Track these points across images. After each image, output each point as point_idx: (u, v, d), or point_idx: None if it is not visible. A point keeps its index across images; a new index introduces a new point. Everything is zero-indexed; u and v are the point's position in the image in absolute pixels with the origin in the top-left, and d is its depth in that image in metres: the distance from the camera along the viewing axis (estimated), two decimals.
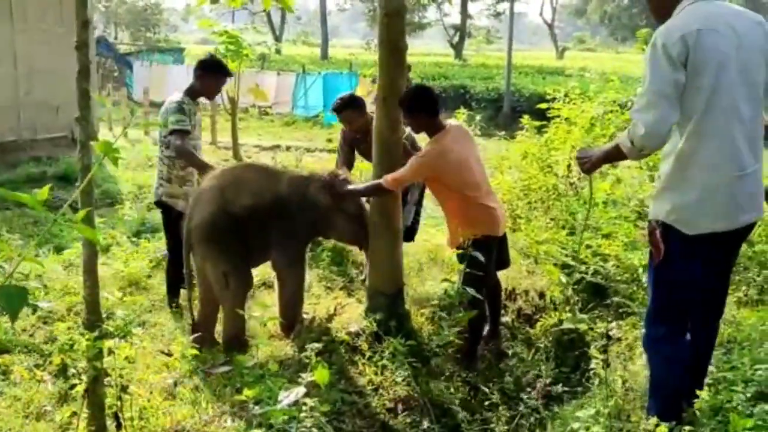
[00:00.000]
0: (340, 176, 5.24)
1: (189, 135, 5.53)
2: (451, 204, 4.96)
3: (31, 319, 5.35)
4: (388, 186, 4.88)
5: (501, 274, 5.45)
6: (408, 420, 4.22)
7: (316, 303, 5.84)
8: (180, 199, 5.63)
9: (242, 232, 4.95)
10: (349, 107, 6.14)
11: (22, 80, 11.83)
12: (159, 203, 5.85)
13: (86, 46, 3.29)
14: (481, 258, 4.57)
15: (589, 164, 3.69)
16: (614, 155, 3.59)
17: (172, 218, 5.64)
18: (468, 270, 4.60)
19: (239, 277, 5.02)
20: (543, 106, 8.19)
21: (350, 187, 5.19)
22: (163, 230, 6.05)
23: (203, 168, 5.48)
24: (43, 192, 1.74)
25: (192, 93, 5.71)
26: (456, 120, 5.50)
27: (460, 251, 4.69)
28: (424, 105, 4.86)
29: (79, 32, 3.28)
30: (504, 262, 5.25)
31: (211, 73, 5.74)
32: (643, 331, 3.68)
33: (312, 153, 14.63)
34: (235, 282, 4.99)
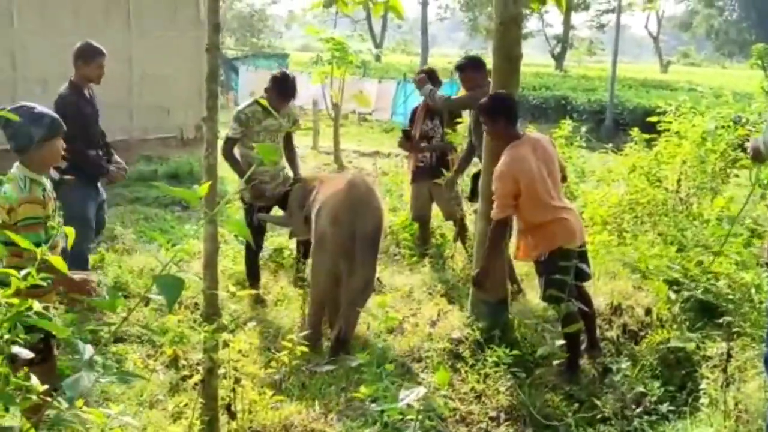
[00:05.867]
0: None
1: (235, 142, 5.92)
2: (521, 214, 4.83)
3: (144, 311, 5.55)
4: (497, 218, 4.78)
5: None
6: (511, 430, 4.20)
7: (418, 308, 5.86)
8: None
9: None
10: (469, 67, 6.28)
11: (136, 83, 12.26)
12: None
13: (217, 49, 3.40)
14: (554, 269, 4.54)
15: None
16: (757, 154, 3.54)
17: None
18: (547, 283, 4.60)
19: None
20: (654, 119, 8.01)
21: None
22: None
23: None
24: (203, 188, 1.80)
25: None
26: (540, 134, 5.37)
27: (538, 263, 4.72)
28: (499, 112, 4.79)
29: (210, 35, 3.39)
30: (582, 275, 4.99)
31: (272, 90, 5.87)
32: (765, 349, 3.55)
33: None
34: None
